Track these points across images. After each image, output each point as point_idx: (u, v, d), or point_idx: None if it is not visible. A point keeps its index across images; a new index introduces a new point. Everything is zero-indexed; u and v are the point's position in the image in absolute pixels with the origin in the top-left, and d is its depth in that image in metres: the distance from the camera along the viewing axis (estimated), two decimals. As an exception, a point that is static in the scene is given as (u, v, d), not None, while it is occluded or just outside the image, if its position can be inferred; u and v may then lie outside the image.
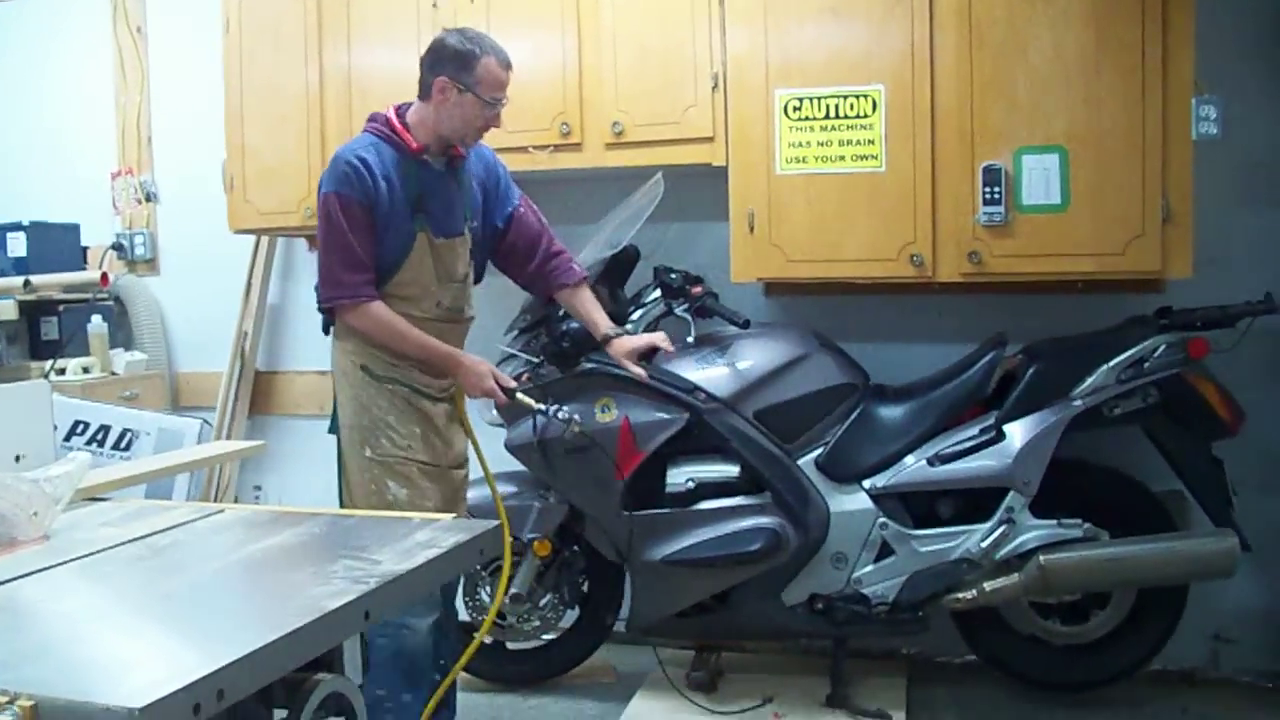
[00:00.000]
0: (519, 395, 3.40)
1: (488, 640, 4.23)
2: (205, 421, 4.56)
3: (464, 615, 4.14)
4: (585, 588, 4.21)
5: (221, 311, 5.10)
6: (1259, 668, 4.15)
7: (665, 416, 3.80)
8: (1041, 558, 3.65)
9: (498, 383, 3.35)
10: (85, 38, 5.36)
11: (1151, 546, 3.67)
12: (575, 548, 4.15)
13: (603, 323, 3.54)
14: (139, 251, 5.25)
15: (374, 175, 3.18)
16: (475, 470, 3.74)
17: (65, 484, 2.15)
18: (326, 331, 3.40)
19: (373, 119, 3.34)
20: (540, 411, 3.52)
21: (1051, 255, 3.75)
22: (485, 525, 2.15)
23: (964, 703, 4.05)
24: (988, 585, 3.72)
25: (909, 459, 3.77)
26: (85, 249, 5.15)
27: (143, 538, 2.13)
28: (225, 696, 1.42)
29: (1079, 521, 3.71)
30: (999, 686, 4.10)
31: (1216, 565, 3.62)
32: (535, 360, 3.90)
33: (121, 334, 5.06)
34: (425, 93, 3.27)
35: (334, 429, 3.42)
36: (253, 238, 4.95)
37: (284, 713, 1.72)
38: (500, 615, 4.14)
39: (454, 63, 3.23)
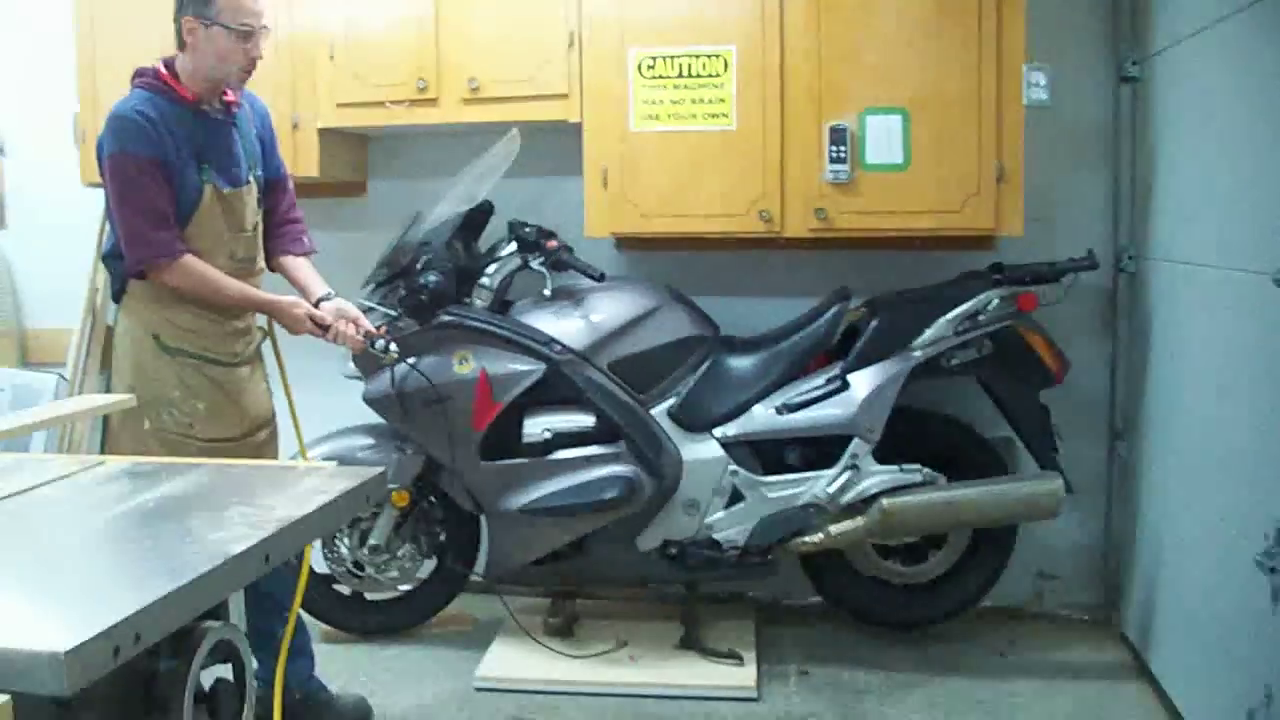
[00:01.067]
0: (373, 345, 3.43)
1: (346, 591, 4.28)
2: (61, 377, 4.50)
3: (322, 568, 4.17)
4: (442, 538, 4.24)
5: (69, 266, 4.97)
6: (1079, 602, 4.42)
7: (522, 368, 3.87)
8: (884, 501, 3.80)
9: (357, 324, 3.37)
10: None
11: (984, 489, 3.84)
12: (432, 499, 4.19)
13: (316, 288, 3.43)
14: (-16, 205, 5.12)
15: (158, 129, 3.11)
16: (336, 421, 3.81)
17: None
18: (117, 299, 3.32)
19: (140, 74, 3.26)
20: (382, 351, 3.48)
21: (894, 212, 3.91)
22: (371, 472, 2.20)
23: (810, 642, 4.21)
24: (833, 529, 3.86)
25: (758, 408, 3.90)
26: (-72, 202, 5.02)
27: (29, 489, 2.11)
28: (141, 639, 1.44)
29: (918, 467, 3.88)
30: (842, 626, 4.29)
31: (1043, 506, 3.82)
32: (393, 313, 3.92)
33: (-35, 290, 4.95)
34: (179, 40, 3.21)
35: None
36: (99, 192, 4.83)
37: (172, 663, 1.72)
38: (358, 566, 4.17)
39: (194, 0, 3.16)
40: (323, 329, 3.34)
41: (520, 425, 3.93)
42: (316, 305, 3.38)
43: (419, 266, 3.88)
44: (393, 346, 3.48)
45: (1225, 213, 3.25)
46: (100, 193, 4.76)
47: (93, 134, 4.40)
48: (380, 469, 2.24)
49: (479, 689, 3.89)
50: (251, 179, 3.34)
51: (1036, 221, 4.04)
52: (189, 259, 3.15)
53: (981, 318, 3.82)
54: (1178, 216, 3.73)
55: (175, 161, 3.12)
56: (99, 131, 4.32)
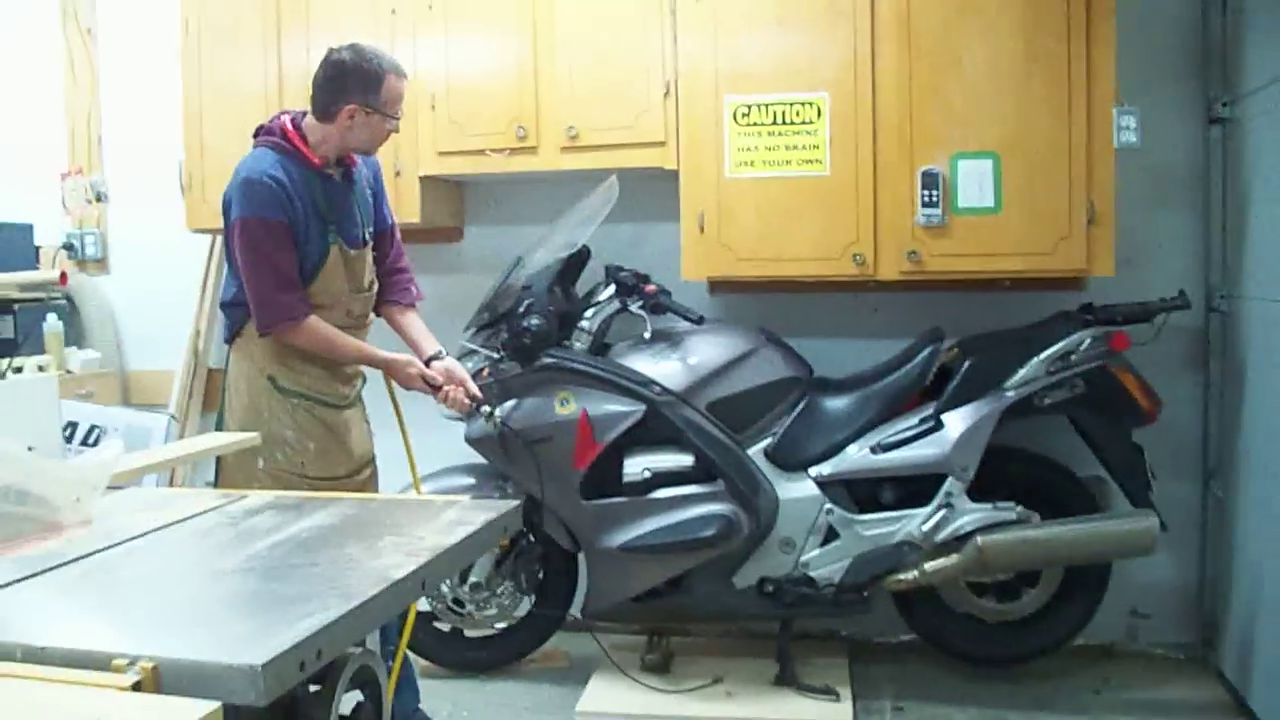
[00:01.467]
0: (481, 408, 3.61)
1: (445, 628, 4.37)
2: (172, 417, 4.64)
3: (423, 604, 4.26)
4: (541, 577, 4.32)
5: (170, 310, 5.15)
6: (1171, 640, 4.43)
7: (622, 409, 3.94)
8: (979, 539, 3.83)
9: (464, 388, 3.50)
10: (34, 38, 5.37)
11: (1079, 527, 3.87)
12: (532, 538, 4.25)
13: (427, 347, 3.56)
14: (89, 251, 5.29)
15: (288, 193, 3.23)
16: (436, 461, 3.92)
17: (102, 471, 2.24)
18: (230, 342, 3.45)
19: (266, 131, 3.37)
20: (486, 415, 3.66)
21: (985, 255, 3.97)
22: (508, 505, 2.30)
23: (902, 678, 4.26)
24: (928, 566, 3.90)
25: (852, 448, 3.95)
26: (38, 249, 5.19)
27: (184, 520, 2.23)
28: (322, 656, 1.55)
29: (1012, 505, 3.90)
30: (935, 664, 4.32)
31: (1138, 544, 3.83)
32: (495, 355, 4.03)
33: (73, 332, 5.10)
34: (329, 117, 3.30)
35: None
36: (203, 237, 5.02)
37: (317, 687, 1.79)
38: (458, 603, 4.25)
39: (359, 87, 3.26)
40: (434, 389, 3.48)
41: (620, 465, 4.01)
42: (428, 364, 3.51)
43: (521, 310, 3.97)
44: (497, 413, 3.68)
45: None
46: (205, 239, 4.98)
47: (198, 181, 4.59)
48: (517, 502, 2.33)
49: None
50: (367, 236, 3.47)
51: (1127, 262, 4.09)
52: (313, 320, 3.28)
53: (1074, 357, 3.86)
54: (1270, 255, 3.76)
55: (302, 224, 3.26)
56: (204, 178, 4.55)
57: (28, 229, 5.12)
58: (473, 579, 4.17)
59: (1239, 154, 4.05)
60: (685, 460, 3.98)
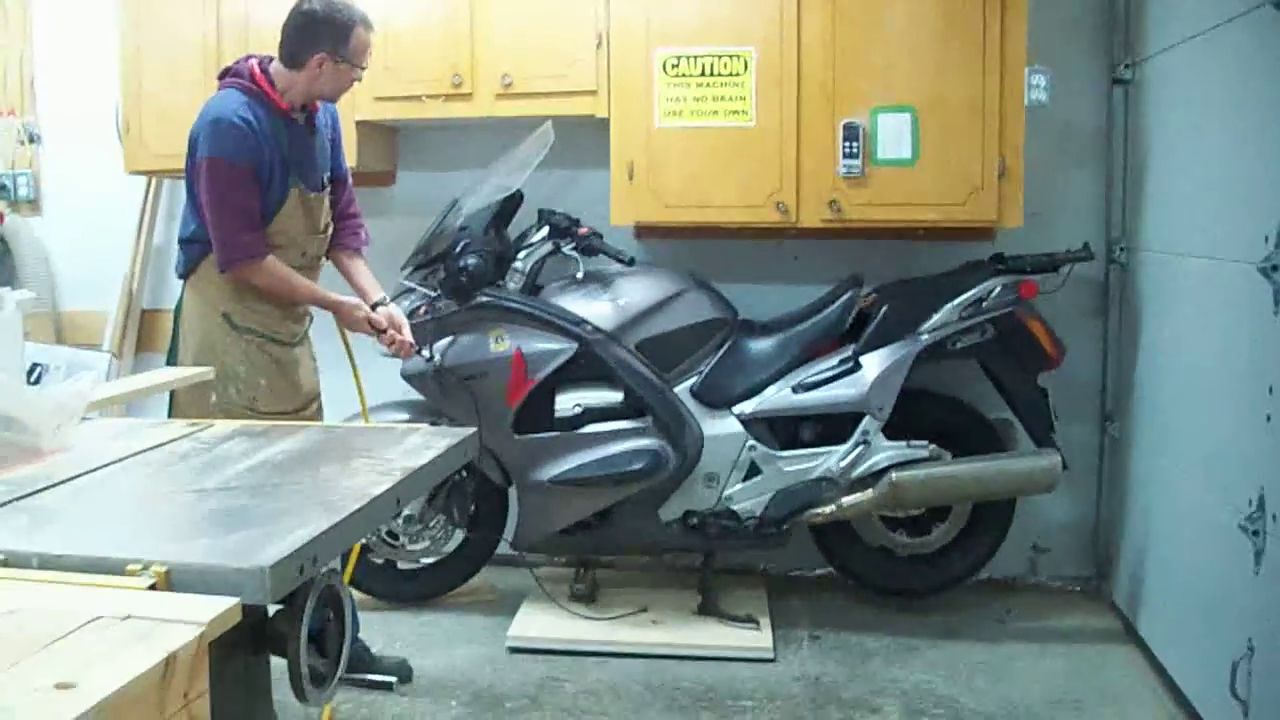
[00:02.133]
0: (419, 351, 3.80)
1: (379, 561, 4.47)
2: (113, 356, 4.70)
3: (358, 537, 4.38)
4: (472, 510, 4.40)
5: (104, 251, 5.18)
6: (1069, 573, 4.71)
7: (555, 347, 4.10)
8: (893, 475, 4.03)
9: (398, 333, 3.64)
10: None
11: (986, 465, 4.09)
12: (465, 473, 4.31)
13: (373, 293, 3.68)
14: (22, 192, 5.29)
15: (256, 135, 3.33)
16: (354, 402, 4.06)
17: (79, 399, 2.34)
18: (184, 278, 3.55)
19: (235, 74, 3.46)
20: (427, 359, 3.92)
21: (902, 205, 4.16)
22: (465, 432, 2.44)
23: (818, 609, 4.48)
24: (845, 501, 4.10)
25: (774, 387, 4.14)
26: (-31, 189, 5.20)
27: (158, 446, 2.35)
28: (317, 563, 1.69)
29: (925, 443, 4.12)
30: (849, 596, 4.56)
31: (1041, 481, 4.06)
32: (432, 294, 4.16)
33: (4, 272, 5.12)
34: (297, 64, 3.40)
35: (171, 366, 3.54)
36: (136, 180, 5.05)
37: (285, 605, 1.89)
38: (392, 535, 4.38)
39: (330, 37, 3.37)
40: (378, 332, 3.62)
41: (552, 402, 4.16)
42: (374, 308, 3.63)
43: (458, 250, 4.09)
44: (436, 356, 3.93)
45: (1212, 207, 3.51)
46: (139, 182, 5.02)
47: (136, 125, 4.62)
48: (473, 429, 2.47)
49: (511, 649, 4.11)
50: (325, 181, 3.60)
51: (1035, 215, 4.29)
52: (271, 260, 3.40)
53: (985, 304, 4.05)
54: (1167, 210, 4.00)
55: (266, 167, 3.36)
56: (141, 122, 4.59)
57: (-41, 169, 5.13)
58: (406, 512, 4.27)
59: (1139, 115, 4.28)
60: (615, 397, 4.14)
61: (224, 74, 3.50)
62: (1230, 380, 3.29)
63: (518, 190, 4.28)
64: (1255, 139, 3.12)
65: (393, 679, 3.80)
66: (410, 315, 4.12)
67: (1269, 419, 2.96)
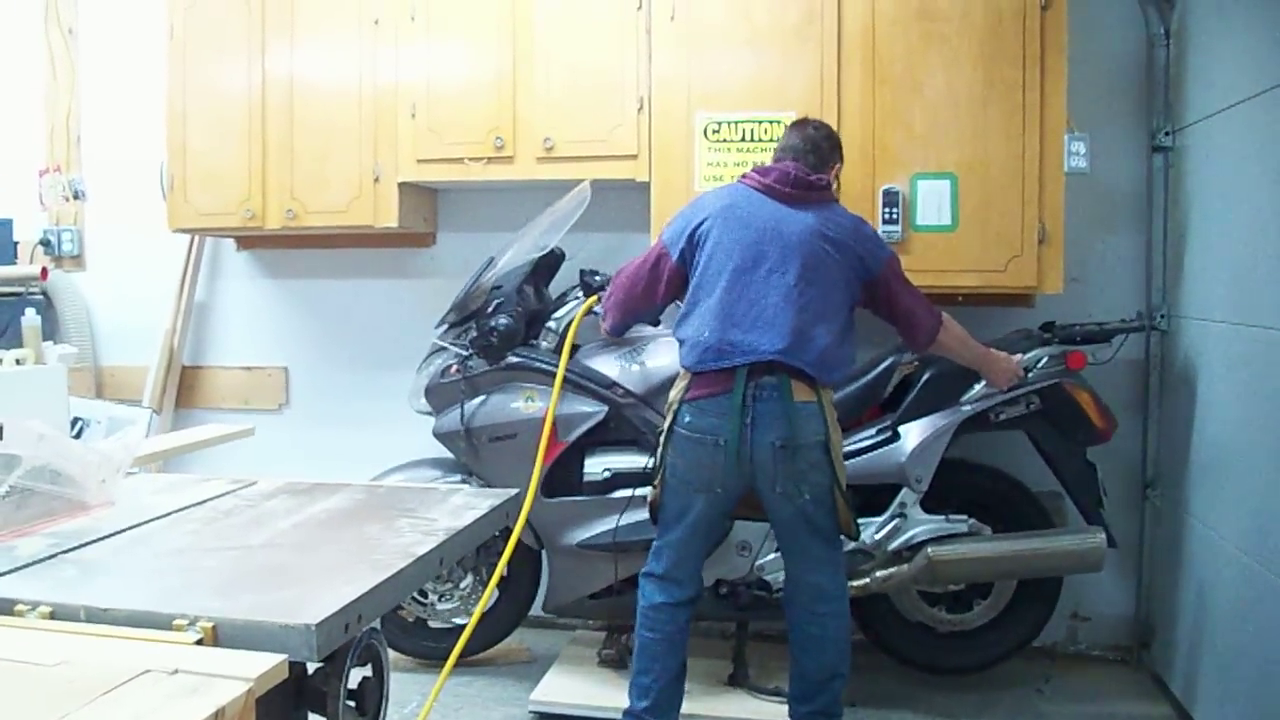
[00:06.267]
0: None
1: (409, 619, 4.45)
2: (153, 411, 4.73)
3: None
4: (506, 573, 4.32)
5: (146, 307, 5.25)
6: (1109, 642, 4.64)
7: (585, 409, 4.07)
8: (930, 550, 3.94)
9: None
10: (15, 36, 5.46)
11: (1028, 542, 3.98)
12: (496, 533, 4.34)
13: None
14: (66, 248, 5.37)
15: None
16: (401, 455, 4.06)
17: (126, 454, 2.36)
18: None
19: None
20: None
21: (942, 270, 4.15)
22: (507, 493, 2.45)
23: (852, 682, 4.16)
24: (879, 574, 4.01)
25: None
26: (15, 244, 5.27)
27: (203, 502, 2.37)
28: (362, 620, 1.69)
29: (965, 518, 4.02)
30: (885, 668, 4.39)
31: (1085, 561, 3.95)
32: (464, 353, 4.15)
33: (48, 327, 5.17)
34: (831, 178, 3.69)
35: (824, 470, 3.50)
36: (179, 237, 5.10)
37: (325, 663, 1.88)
38: (422, 593, 4.35)
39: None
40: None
41: (582, 464, 4.14)
42: None
43: (490, 310, 4.10)
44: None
45: (1254, 274, 3.50)
46: (182, 240, 5.08)
47: (180, 183, 4.70)
48: (516, 490, 2.47)
49: (533, 712, 4.07)
50: None
51: (1075, 281, 4.31)
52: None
53: (1030, 374, 3.94)
54: (1208, 277, 3.98)
55: None
56: (185, 180, 4.66)
57: (7, 224, 5.21)
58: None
59: (1179, 181, 4.28)
60: (644, 461, 4.07)
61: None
62: (1274, 447, 3.26)
63: (560, 249, 4.31)
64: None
65: None
66: (441, 374, 4.19)
67: (1318, 490, 2.93)
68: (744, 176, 3.64)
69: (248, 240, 5.20)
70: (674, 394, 3.56)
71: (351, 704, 2.01)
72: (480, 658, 4.54)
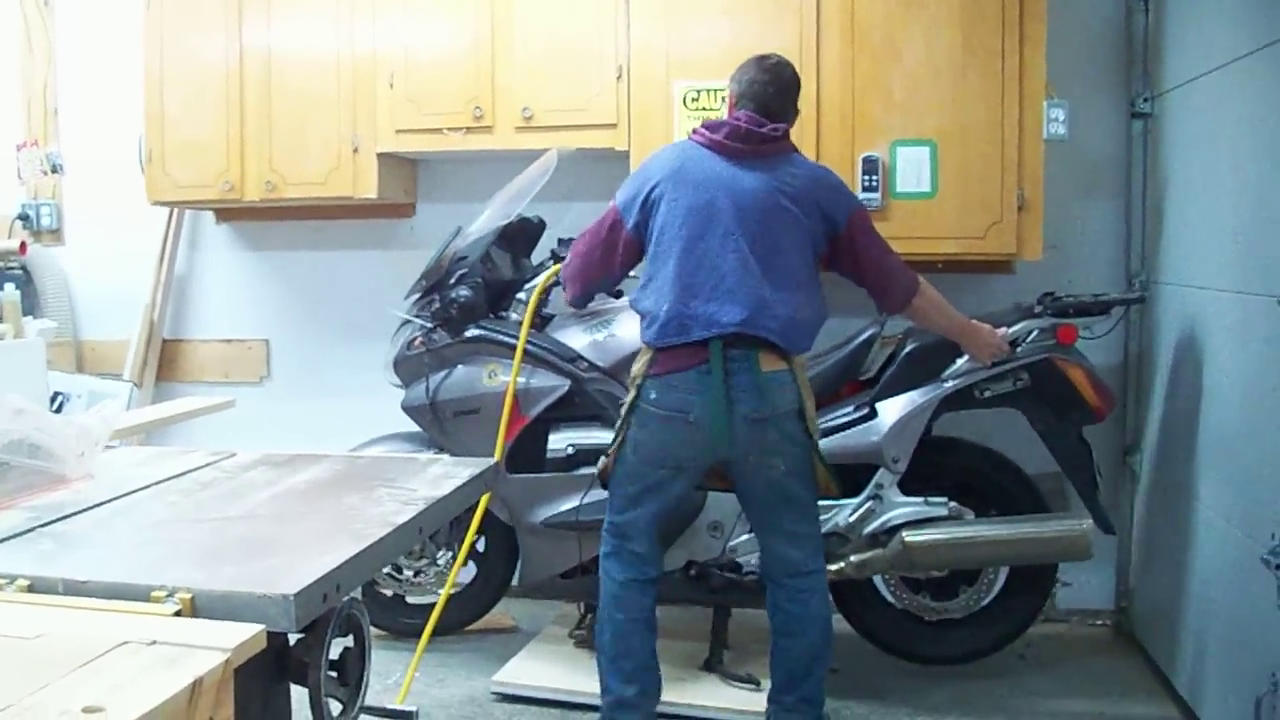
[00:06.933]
0: None
1: (388, 593, 4.37)
2: (134, 385, 4.73)
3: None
4: (481, 546, 4.28)
5: (125, 281, 5.23)
6: (1091, 608, 4.67)
7: (548, 384, 3.96)
8: (905, 534, 3.77)
9: None
10: (-10, 10, 5.43)
11: (1009, 528, 3.81)
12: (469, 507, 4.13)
13: None
14: (45, 222, 5.34)
15: None
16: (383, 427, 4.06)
17: (104, 427, 2.35)
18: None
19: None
20: None
21: (921, 238, 4.13)
22: (486, 463, 2.46)
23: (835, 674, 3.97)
24: (854, 558, 3.83)
25: None
26: (-8, 219, 5.25)
27: (182, 474, 2.38)
28: (341, 591, 1.70)
29: (944, 500, 3.83)
30: (868, 656, 4.18)
31: (1071, 548, 3.79)
32: (428, 325, 4.08)
33: (27, 302, 5.15)
34: (792, 121, 3.48)
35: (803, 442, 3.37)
36: (158, 211, 5.08)
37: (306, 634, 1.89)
38: (397, 568, 4.28)
39: None
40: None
41: (546, 439, 4.03)
42: None
43: (452, 281, 4.02)
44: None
45: (1232, 239, 3.50)
46: (161, 212, 5.05)
47: (159, 155, 4.67)
48: (494, 460, 2.48)
49: (495, 694, 3.97)
50: None
51: (1054, 248, 4.31)
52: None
53: (1019, 349, 3.74)
54: (1186, 243, 4.00)
55: None
56: (164, 152, 4.63)
57: (-16, 199, 5.19)
58: None
59: (1158, 147, 4.29)
60: (609, 437, 3.66)
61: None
62: (1252, 413, 3.28)
63: (539, 218, 4.28)
64: (1274, 172, 3.12)
65: (414, 709, 3.67)
66: (408, 347, 4.11)
67: (1291, 452, 2.95)
68: (694, 132, 3.44)
69: (227, 213, 5.18)
70: (637, 369, 3.39)
71: (333, 674, 2.02)
72: (472, 630, 4.49)
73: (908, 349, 3.88)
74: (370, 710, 3.55)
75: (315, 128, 4.58)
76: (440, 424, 4.05)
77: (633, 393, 3.38)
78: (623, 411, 3.41)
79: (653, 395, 3.31)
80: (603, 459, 3.50)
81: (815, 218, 3.35)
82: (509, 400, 3.91)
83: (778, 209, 3.30)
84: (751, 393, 3.25)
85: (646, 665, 3.46)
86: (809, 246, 3.37)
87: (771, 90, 3.41)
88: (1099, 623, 4.63)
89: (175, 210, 5.17)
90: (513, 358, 3.95)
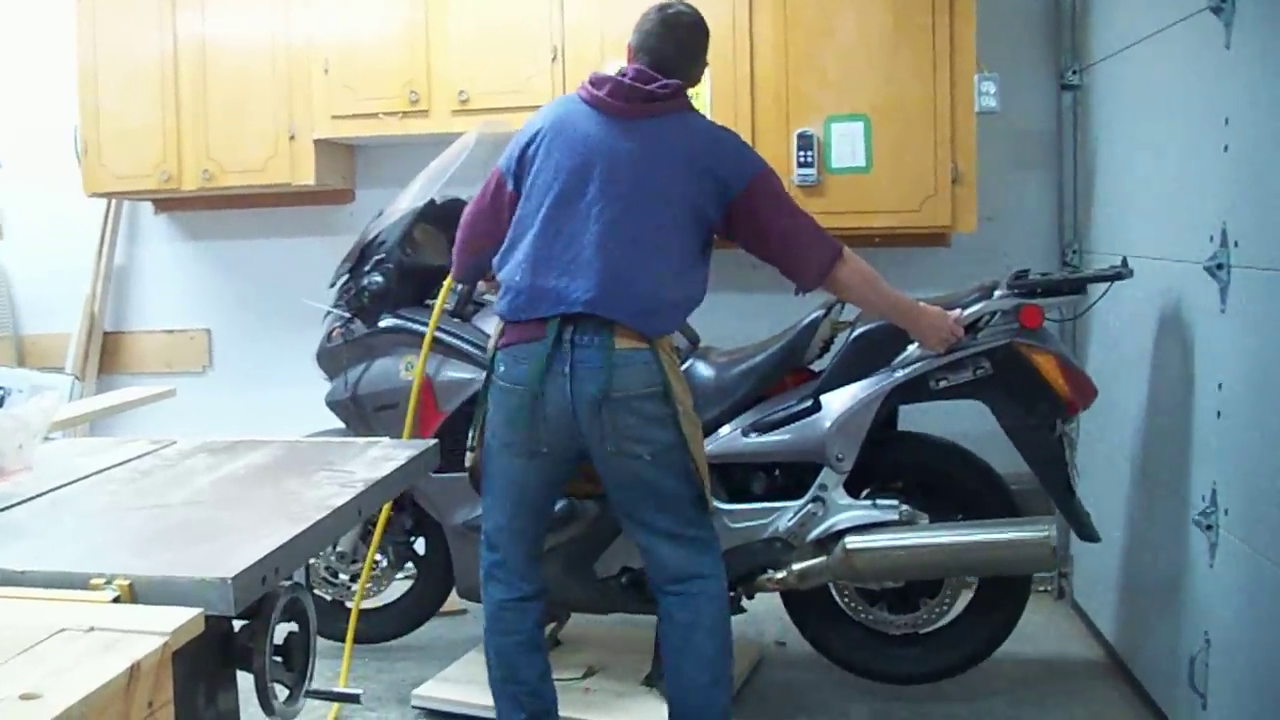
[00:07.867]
0: None
1: (328, 598, 4.05)
2: (76, 378, 4.71)
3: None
4: (417, 549, 4.07)
5: (65, 274, 5.19)
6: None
7: (463, 376, 3.65)
8: (846, 541, 3.37)
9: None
10: (-83, 4, 5.36)
11: (962, 534, 3.41)
12: (401, 509, 3.93)
13: None
14: (-20, 217, 5.30)
15: None
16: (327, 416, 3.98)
17: (43, 418, 2.34)
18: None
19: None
20: None
21: (857, 212, 4.20)
22: (425, 444, 2.48)
23: (789, 687, 3.88)
24: (796, 567, 3.46)
25: (724, 428, 3.49)
26: (-74, 214, 5.19)
27: (123, 463, 2.37)
28: (279, 572, 1.71)
29: (895, 503, 3.43)
30: (827, 672, 3.82)
31: (1031, 559, 3.40)
32: (346, 315, 3.85)
33: (-37, 298, 5.13)
34: (697, 79, 3.22)
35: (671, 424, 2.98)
36: (96, 202, 5.05)
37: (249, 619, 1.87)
38: (333, 573, 4.02)
39: None
40: None
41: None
42: None
43: (367, 267, 3.79)
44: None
45: (1160, 208, 3.56)
46: (99, 204, 5.00)
47: (95, 146, 4.63)
48: (434, 441, 2.50)
49: (416, 708, 3.73)
50: None
51: (989, 220, 4.38)
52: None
53: (981, 334, 3.34)
54: (1117, 213, 4.06)
55: None
56: (100, 144, 4.59)
57: (-82, 194, 5.12)
58: (340, 548, 3.94)
59: (1088, 119, 4.36)
60: None
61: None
62: (1181, 378, 3.34)
63: (465, 198, 4.20)
64: (1198, 141, 3.18)
65: (359, 691, 3.52)
66: (327, 339, 3.92)
67: (1219, 415, 3.01)
68: (580, 86, 3.11)
69: (165, 203, 5.16)
70: (490, 342, 3.15)
71: (279, 660, 2.04)
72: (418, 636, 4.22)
73: (854, 333, 3.49)
74: (315, 694, 3.53)
75: (252, 115, 4.58)
76: (364, 419, 3.78)
77: (488, 368, 3.13)
78: (481, 391, 3.17)
79: (501, 369, 3.03)
80: (469, 454, 3.21)
81: (705, 182, 2.99)
82: (414, 394, 3.63)
83: (657, 175, 2.96)
84: (599, 371, 2.91)
85: (534, 691, 3.15)
86: (693, 217, 3.01)
87: (669, 43, 3.08)
88: (1040, 589, 4.68)
89: (113, 201, 5.14)
90: (430, 349, 3.68)
